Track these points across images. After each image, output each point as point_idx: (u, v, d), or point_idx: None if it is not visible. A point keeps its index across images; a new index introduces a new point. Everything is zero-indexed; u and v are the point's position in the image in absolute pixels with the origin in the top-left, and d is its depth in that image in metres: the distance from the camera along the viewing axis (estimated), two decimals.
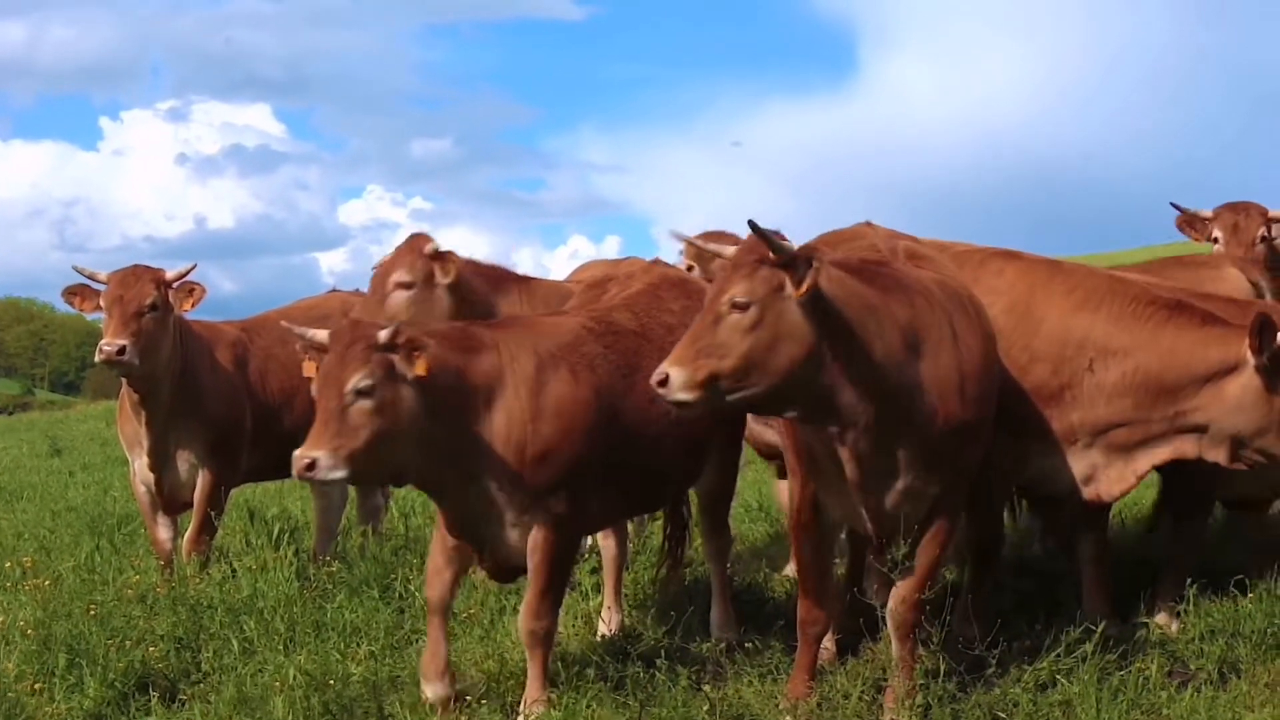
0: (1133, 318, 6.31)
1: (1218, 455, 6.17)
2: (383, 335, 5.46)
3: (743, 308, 5.03)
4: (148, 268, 7.77)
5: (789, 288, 5.02)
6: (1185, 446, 6.24)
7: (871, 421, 5.25)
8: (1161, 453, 6.32)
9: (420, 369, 5.45)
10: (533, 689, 5.83)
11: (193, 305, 7.81)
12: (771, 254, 5.05)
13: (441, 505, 5.86)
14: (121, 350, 7.43)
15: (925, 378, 5.38)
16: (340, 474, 5.40)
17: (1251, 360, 5.93)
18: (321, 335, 5.68)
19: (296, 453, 5.36)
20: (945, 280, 5.82)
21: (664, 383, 4.97)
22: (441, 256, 7.74)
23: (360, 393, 5.39)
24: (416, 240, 7.89)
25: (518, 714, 5.79)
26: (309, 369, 5.75)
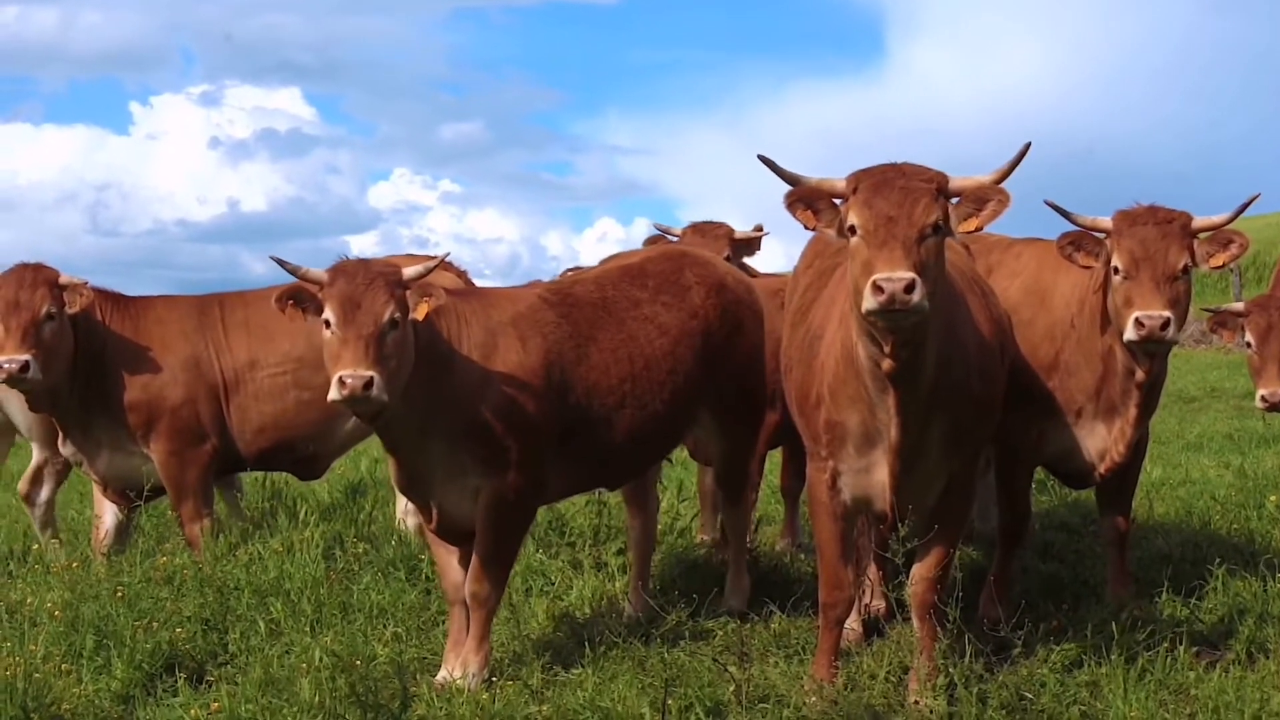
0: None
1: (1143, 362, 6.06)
2: (409, 271, 5.57)
3: None
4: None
5: None
6: (1137, 369, 6.06)
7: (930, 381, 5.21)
8: (1134, 390, 6.14)
9: (421, 312, 5.53)
10: (470, 645, 5.94)
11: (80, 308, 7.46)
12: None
13: (397, 459, 5.90)
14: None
15: (956, 348, 5.36)
16: (386, 398, 5.35)
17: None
18: (318, 272, 5.61)
19: (344, 371, 5.25)
20: (954, 262, 5.78)
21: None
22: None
23: (393, 323, 5.41)
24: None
25: (536, 691, 5.78)
26: (295, 315, 5.67)
